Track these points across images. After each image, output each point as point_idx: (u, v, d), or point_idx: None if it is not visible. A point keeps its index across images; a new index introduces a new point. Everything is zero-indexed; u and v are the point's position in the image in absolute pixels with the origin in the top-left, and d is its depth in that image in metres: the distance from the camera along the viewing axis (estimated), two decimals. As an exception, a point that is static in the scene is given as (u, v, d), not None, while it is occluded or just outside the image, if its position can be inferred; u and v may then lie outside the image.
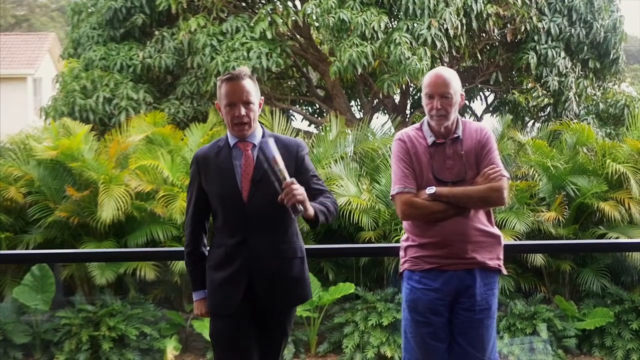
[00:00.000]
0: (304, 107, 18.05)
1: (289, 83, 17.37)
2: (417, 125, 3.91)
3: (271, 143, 3.38)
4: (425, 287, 3.72)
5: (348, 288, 10.51)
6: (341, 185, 10.95)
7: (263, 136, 3.58)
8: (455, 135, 3.80)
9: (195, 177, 3.61)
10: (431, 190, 3.69)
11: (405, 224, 3.84)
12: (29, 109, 24.95)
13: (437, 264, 3.71)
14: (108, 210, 10.31)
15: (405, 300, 3.80)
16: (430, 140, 3.80)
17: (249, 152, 3.57)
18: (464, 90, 3.84)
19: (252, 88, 3.52)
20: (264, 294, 3.51)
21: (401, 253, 3.86)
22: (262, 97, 3.64)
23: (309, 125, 17.25)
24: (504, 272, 3.83)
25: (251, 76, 3.56)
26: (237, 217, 3.51)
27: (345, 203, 10.61)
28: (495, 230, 3.81)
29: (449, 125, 3.77)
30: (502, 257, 3.82)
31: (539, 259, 10.55)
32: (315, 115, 17.51)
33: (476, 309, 3.72)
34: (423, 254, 3.73)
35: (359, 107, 17.36)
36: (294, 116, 17.73)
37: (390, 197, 3.85)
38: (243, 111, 3.50)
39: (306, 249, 3.74)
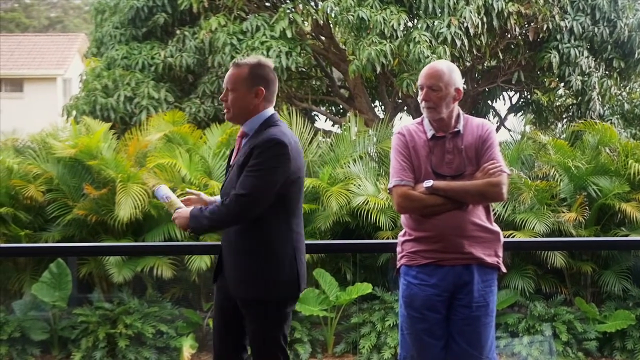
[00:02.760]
0: (328, 107, 18.01)
1: (313, 83, 17.34)
2: (418, 119, 3.89)
3: (161, 190, 3.71)
4: (422, 282, 3.67)
5: (365, 288, 10.43)
6: (359, 185, 10.89)
7: (262, 126, 3.59)
8: (456, 130, 3.76)
9: None
10: (428, 183, 3.65)
11: (402, 218, 3.80)
12: (59, 109, 25.31)
13: (433, 259, 3.66)
14: (126, 208, 10.32)
15: (402, 296, 3.75)
16: (429, 133, 3.77)
17: (238, 139, 3.65)
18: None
19: (237, 75, 3.56)
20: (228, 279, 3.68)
21: (398, 248, 3.81)
22: (260, 88, 3.57)
23: (333, 126, 17.22)
24: (503, 269, 3.76)
25: (248, 65, 3.59)
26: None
27: (363, 202, 10.57)
28: (494, 226, 3.74)
29: (444, 118, 3.73)
30: (501, 254, 3.75)
31: (559, 260, 10.41)
32: (339, 116, 17.47)
33: (473, 306, 3.66)
34: (419, 248, 3.69)
35: (382, 107, 17.30)
36: (318, 116, 17.71)
37: (388, 190, 3.81)
38: (223, 96, 3.62)
39: (306, 244, 3.70)
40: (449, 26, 13.12)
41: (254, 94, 3.56)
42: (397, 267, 3.81)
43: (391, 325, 10.11)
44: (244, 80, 3.56)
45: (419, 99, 3.76)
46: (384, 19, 13.04)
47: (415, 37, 12.96)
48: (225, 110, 3.64)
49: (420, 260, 3.68)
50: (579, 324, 10.25)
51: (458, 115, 3.79)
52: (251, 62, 3.59)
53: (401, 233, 3.82)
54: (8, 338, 9.83)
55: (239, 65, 3.60)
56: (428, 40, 13.00)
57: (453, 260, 3.65)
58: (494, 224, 3.77)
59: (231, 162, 3.65)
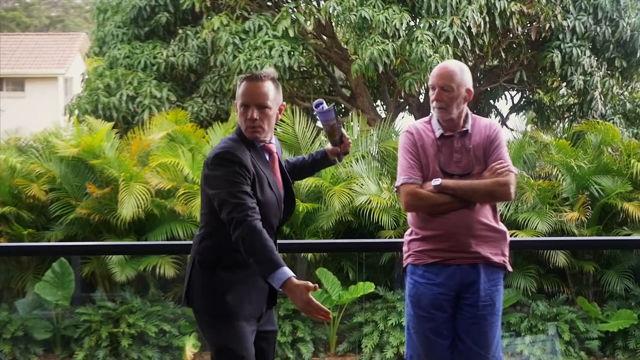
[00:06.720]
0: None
1: (314, 82, 17.35)
2: (426, 118, 3.89)
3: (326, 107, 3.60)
4: (429, 281, 3.68)
5: (368, 287, 10.43)
6: (362, 184, 10.88)
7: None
8: (464, 129, 3.76)
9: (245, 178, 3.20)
10: (437, 182, 3.65)
11: (409, 216, 3.80)
12: (60, 108, 25.35)
13: (440, 258, 3.66)
14: (128, 207, 10.32)
15: (409, 295, 3.75)
16: (438, 133, 3.77)
17: (276, 155, 3.41)
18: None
19: (271, 91, 3.26)
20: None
21: (404, 247, 3.81)
22: (284, 103, 3.39)
23: (334, 125, 17.18)
24: (509, 269, 3.76)
25: (274, 79, 3.31)
26: (276, 221, 3.38)
27: (366, 202, 10.57)
28: (500, 226, 3.75)
29: (453, 118, 3.73)
30: (507, 253, 3.76)
31: (561, 259, 10.42)
32: (340, 115, 17.47)
33: (480, 305, 3.66)
34: (426, 247, 3.69)
35: (384, 106, 17.31)
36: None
37: (395, 189, 3.81)
38: (256, 114, 3.23)
39: (311, 243, 3.73)
40: (451, 25, 13.12)
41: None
42: (404, 266, 3.81)
43: (394, 324, 10.12)
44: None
45: (430, 98, 3.75)
46: (386, 19, 13.05)
47: (417, 37, 12.98)
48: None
49: (427, 259, 3.69)
50: (581, 324, 10.25)
51: (466, 115, 3.79)
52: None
53: (407, 232, 3.82)
54: (11, 337, 9.84)
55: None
56: (430, 40, 13.01)
57: (460, 259, 3.65)
58: (501, 223, 3.77)
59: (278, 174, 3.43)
